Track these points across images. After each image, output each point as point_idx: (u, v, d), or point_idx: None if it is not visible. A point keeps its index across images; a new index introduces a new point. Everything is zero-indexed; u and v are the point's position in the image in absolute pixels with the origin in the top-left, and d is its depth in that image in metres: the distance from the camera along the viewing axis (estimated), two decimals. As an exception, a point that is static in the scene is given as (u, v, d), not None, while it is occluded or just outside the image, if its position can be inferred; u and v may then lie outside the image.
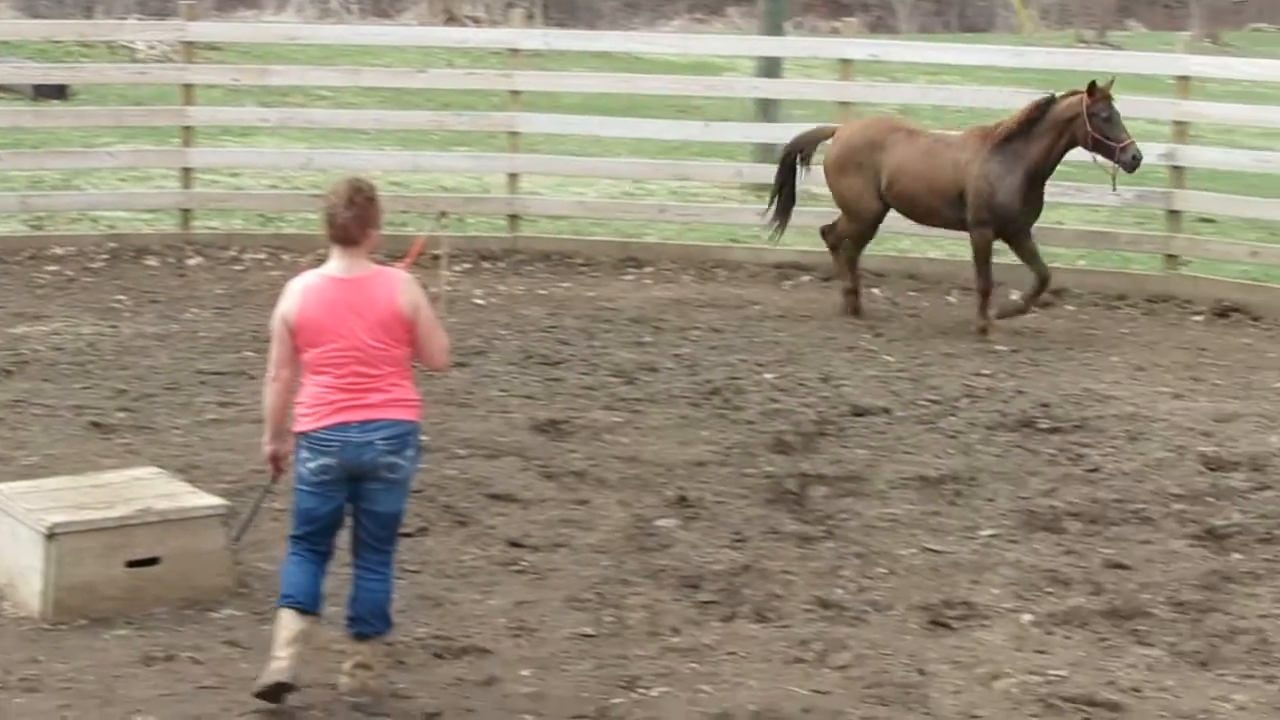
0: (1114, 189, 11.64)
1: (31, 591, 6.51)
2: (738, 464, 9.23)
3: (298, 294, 5.43)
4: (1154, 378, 11.57)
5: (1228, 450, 9.68)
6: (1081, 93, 10.93)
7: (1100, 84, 10.88)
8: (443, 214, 8.75)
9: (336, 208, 5.26)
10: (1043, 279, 11.52)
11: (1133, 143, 10.58)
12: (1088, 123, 10.64)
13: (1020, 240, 11.60)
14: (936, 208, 11.87)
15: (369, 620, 5.77)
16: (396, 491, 5.68)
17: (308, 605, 5.58)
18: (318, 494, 5.51)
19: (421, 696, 5.81)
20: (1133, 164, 10.76)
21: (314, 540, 5.62)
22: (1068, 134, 10.97)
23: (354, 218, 5.26)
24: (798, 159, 12.56)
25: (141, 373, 11.21)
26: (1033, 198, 11.43)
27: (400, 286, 5.52)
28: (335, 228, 5.28)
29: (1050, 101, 11.14)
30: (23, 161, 16.41)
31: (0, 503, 6.93)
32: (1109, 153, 10.73)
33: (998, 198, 11.31)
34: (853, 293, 12.35)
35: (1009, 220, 11.39)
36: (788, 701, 5.84)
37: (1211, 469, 9.29)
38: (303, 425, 5.55)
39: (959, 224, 11.81)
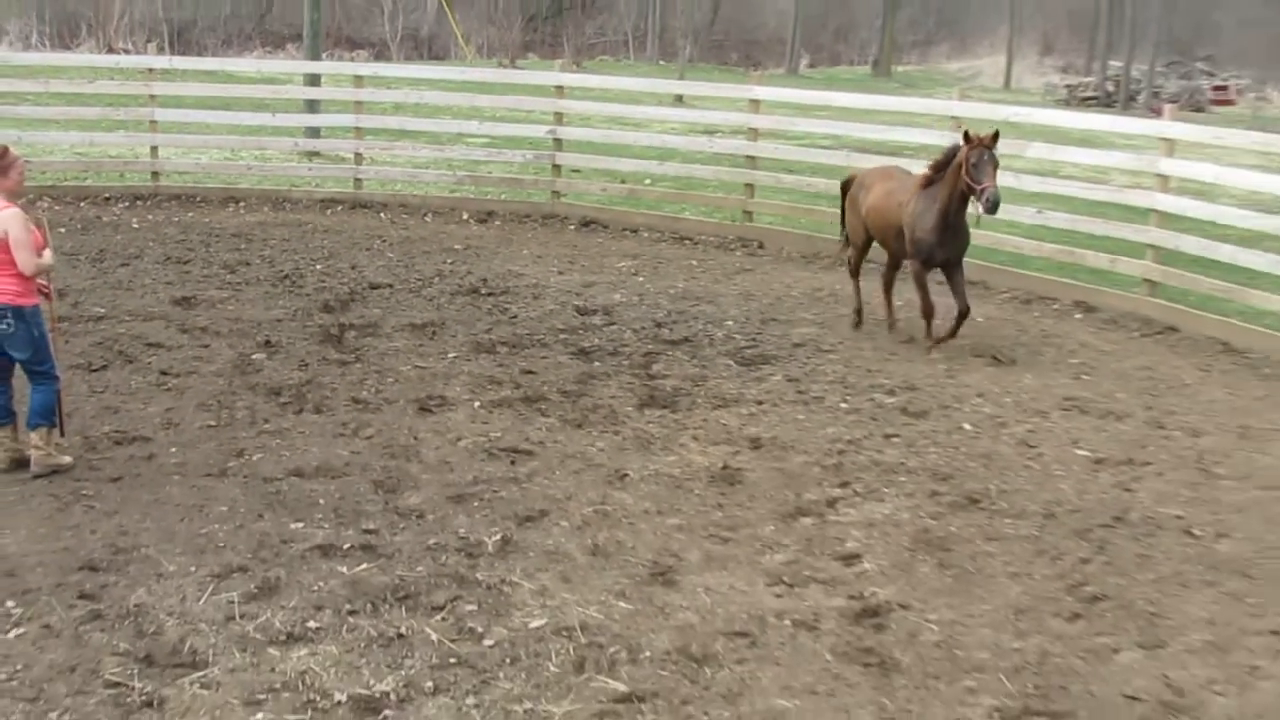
0: (977, 222, 11.23)
1: None
2: (301, 320, 11.68)
3: None
4: (546, 263, 14.60)
5: (589, 303, 12.61)
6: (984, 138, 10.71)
7: (973, 134, 10.75)
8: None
9: None
10: (962, 313, 11.20)
11: (991, 187, 10.41)
12: (964, 166, 10.53)
13: (949, 271, 11.35)
14: (889, 240, 11.84)
15: (36, 416, 7.79)
16: (15, 342, 7.64)
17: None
18: None
19: (107, 468, 8.04)
20: (989, 206, 10.48)
21: None
22: (961, 177, 10.68)
23: None
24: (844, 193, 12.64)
25: None
26: (949, 234, 11.11)
27: (3, 217, 7.48)
28: None
29: (956, 148, 10.91)
30: None
31: None
32: (976, 194, 10.52)
33: (917, 233, 11.16)
34: (858, 311, 12.28)
35: (929, 253, 11.17)
36: (335, 459, 8.32)
37: (581, 314, 12.15)
38: None
39: (904, 254, 11.68)
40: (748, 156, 16.25)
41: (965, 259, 11.55)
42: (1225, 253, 12.01)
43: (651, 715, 5.50)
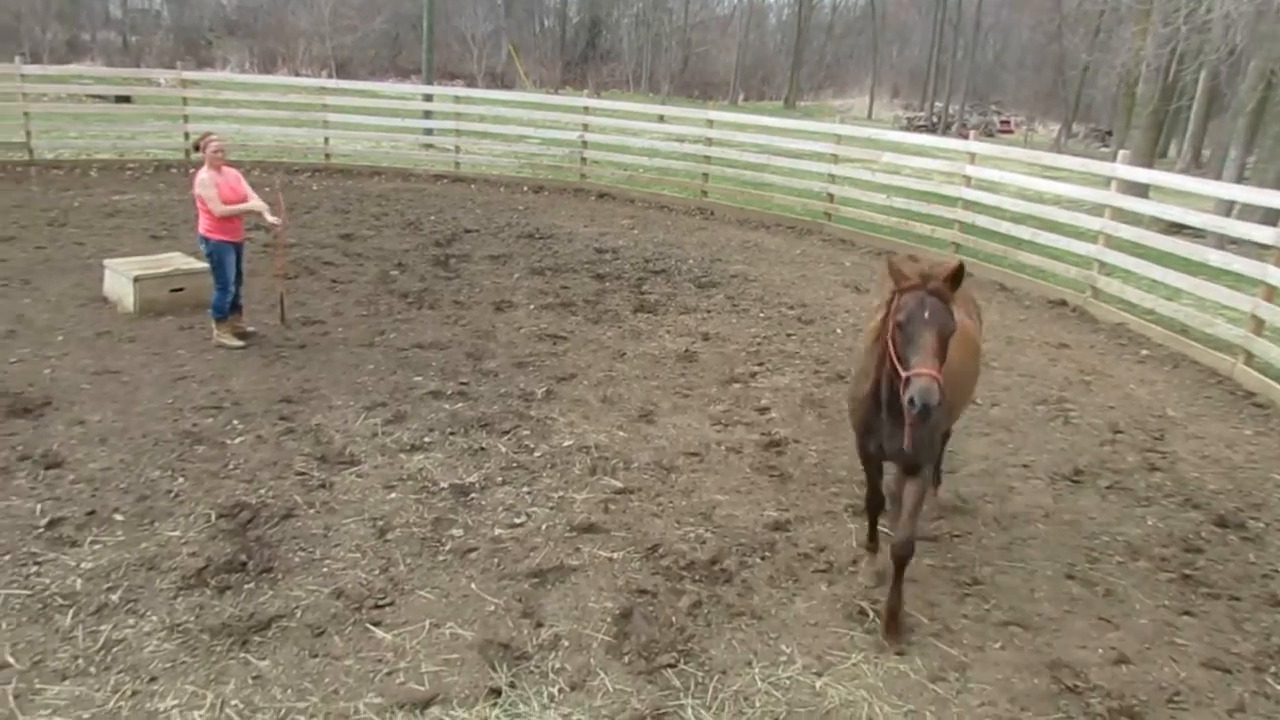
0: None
1: (130, 303, 8.31)
2: (420, 250, 11.38)
3: None
4: (576, 220, 14.24)
5: (603, 245, 12.30)
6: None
7: (902, 269, 3.99)
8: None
9: None
10: (895, 549, 4.45)
11: (924, 376, 3.76)
12: (891, 328, 4.00)
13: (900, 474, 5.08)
14: None
15: (211, 310, 8.00)
16: (208, 259, 7.54)
17: None
18: None
19: (298, 339, 7.81)
20: (914, 411, 3.78)
21: None
22: (888, 346, 4.12)
23: None
24: None
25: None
26: (880, 421, 4.03)
27: (197, 180, 7.05)
28: None
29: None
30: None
31: (114, 267, 8.49)
32: (901, 382, 3.90)
33: (848, 400, 5.04)
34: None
35: (860, 437, 4.34)
36: (442, 338, 8.07)
37: (598, 252, 11.81)
38: None
39: None
40: (704, 156, 15.99)
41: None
42: (1004, 227, 11.87)
43: (637, 502, 5.54)
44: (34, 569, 4.50)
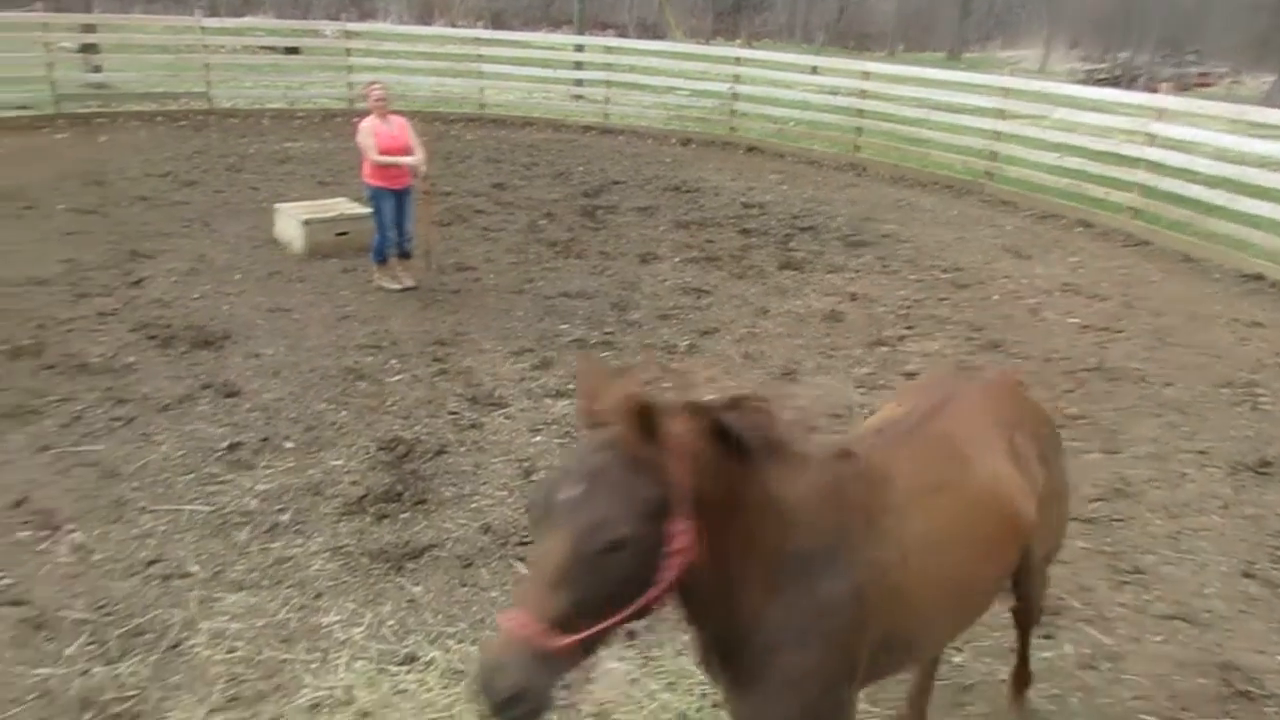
0: None
1: (299, 245, 8.81)
2: (569, 200, 11.53)
3: None
4: (723, 174, 14.24)
5: (750, 200, 12.20)
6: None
7: (589, 371, 2.11)
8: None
9: None
10: None
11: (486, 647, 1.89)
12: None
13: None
14: None
15: (371, 254, 8.24)
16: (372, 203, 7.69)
17: None
18: None
19: (451, 284, 8.16)
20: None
21: None
22: None
23: None
24: None
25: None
26: None
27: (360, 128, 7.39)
28: None
29: None
30: None
31: (284, 211, 9.04)
32: None
33: None
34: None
35: None
36: (588, 287, 8.23)
37: (744, 207, 11.65)
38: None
39: None
40: (858, 109, 15.47)
41: None
42: (1193, 191, 11.00)
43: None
44: (215, 488, 4.92)
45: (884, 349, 7.36)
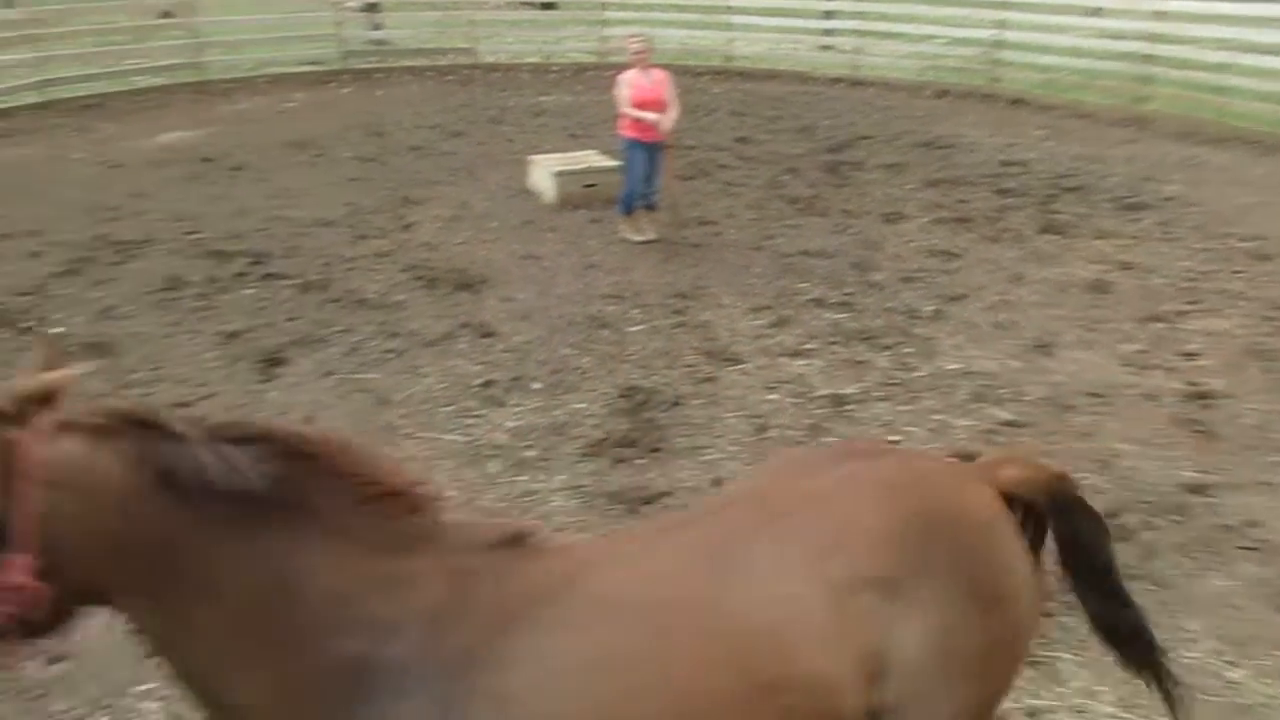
0: None
1: (551, 195, 9.21)
2: (812, 156, 11.22)
3: None
4: (981, 129, 13.02)
5: (1010, 157, 11.15)
6: None
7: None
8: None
9: None
10: None
11: None
12: None
13: None
14: None
15: (618, 205, 8.45)
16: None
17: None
18: None
19: (692, 238, 8.27)
20: None
21: None
22: None
23: None
24: None
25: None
26: None
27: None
28: None
29: None
30: None
31: (538, 162, 9.47)
32: None
33: None
34: None
35: None
36: (828, 246, 8.12)
37: (1002, 165, 10.81)
38: None
39: None
40: (1145, 55, 13.95)
41: None
42: None
43: (1026, 438, 5.22)
44: (470, 421, 5.32)
45: (1159, 325, 6.70)
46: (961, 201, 9.51)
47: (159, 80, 14.74)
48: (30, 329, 6.41)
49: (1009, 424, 5.33)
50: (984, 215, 9.07)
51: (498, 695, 1.65)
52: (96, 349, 6.12)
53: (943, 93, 15.51)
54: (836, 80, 16.45)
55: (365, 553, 1.69)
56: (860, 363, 6.06)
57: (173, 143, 11.63)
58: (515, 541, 1.83)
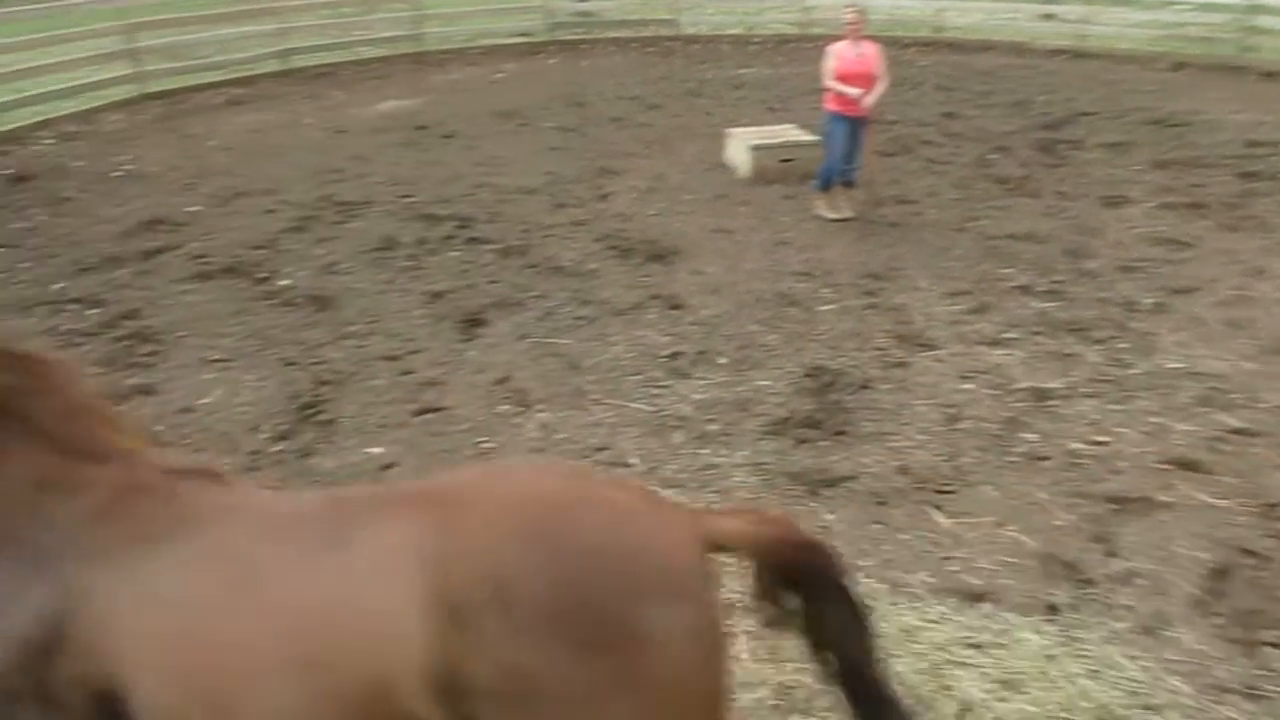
0: None
1: (745, 169, 9.16)
2: (1024, 133, 10.49)
3: None
4: (1226, 105, 11.89)
5: (1260, 136, 10.48)
6: None
7: None
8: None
9: None
10: None
11: None
12: None
13: None
14: None
15: (816, 180, 8.15)
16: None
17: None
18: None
19: (889, 217, 7.95)
20: None
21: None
22: None
23: None
24: None
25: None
26: None
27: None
28: None
29: None
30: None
31: (735, 135, 9.42)
32: None
33: None
34: None
35: None
36: (1039, 230, 7.62)
37: (1249, 145, 10.18)
38: None
39: None
40: None
41: None
42: None
43: (1259, 448, 4.74)
44: (656, 391, 5.40)
45: None
46: (1196, 185, 8.69)
47: (382, 51, 15.67)
48: (264, 279, 7.04)
49: (1238, 431, 4.86)
50: (1222, 201, 8.26)
51: (106, 596, 1.84)
52: (318, 301, 6.65)
53: (1180, 65, 14.18)
54: (1057, 52, 15.39)
55: (60, 456, 1.96)
56: (1068, 355, 5.69)
57: (392, 110, 12.36)
58: (198, 475, 2.04)
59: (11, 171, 9.83)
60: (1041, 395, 5.24)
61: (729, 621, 1.97)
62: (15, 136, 11.09)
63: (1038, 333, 5.99)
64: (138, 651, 1.84)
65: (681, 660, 1.76)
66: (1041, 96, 12.40)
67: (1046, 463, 4.63)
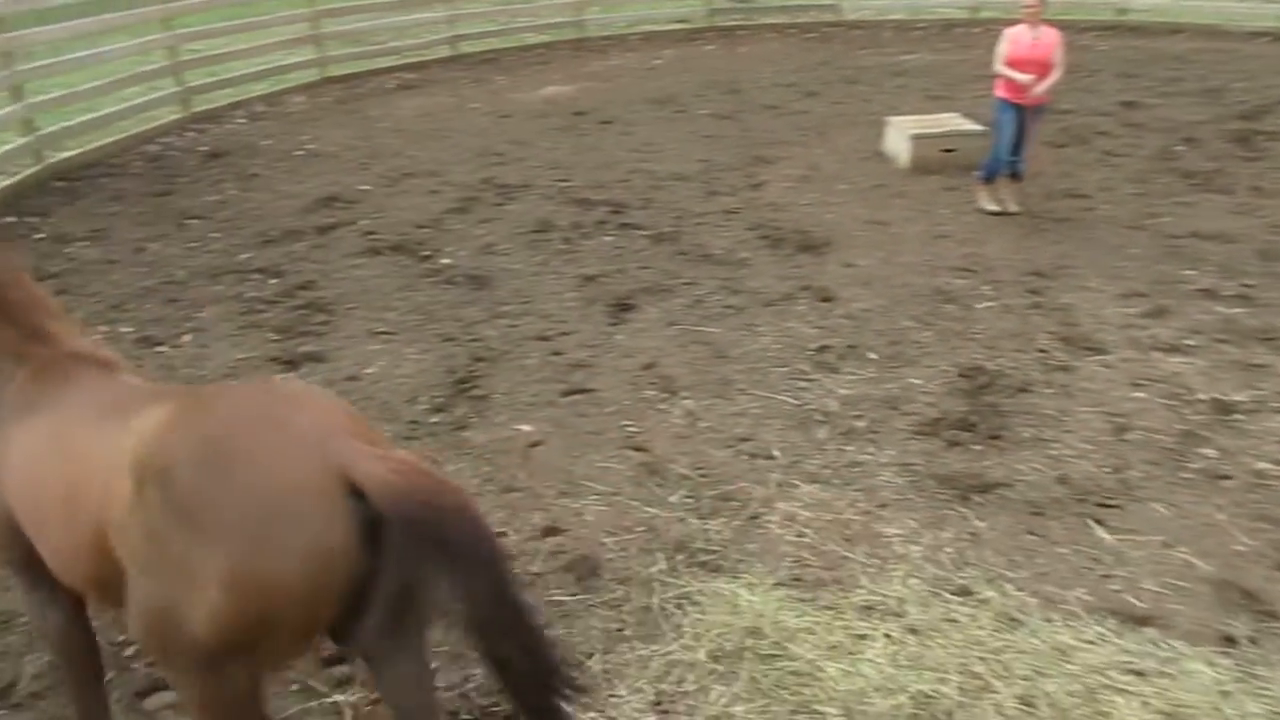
0: None
1: (904, 159, 8.91)
2: (1216, 123, 9.72)
3: None
4: None
5: None
6: None
7: None
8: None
9: None
10: None
11: None
12: None
13: None
14: None
15: (980, 170, 7.61)
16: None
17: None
18: None
19: (1059, 212, 7.54)
20: None
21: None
22: None
23: None
24: None
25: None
26: None
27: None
28: None
29: None
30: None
31: (894, 124, 9.17)
32: None
33: None
34: None
35: None
36: (1229, 229, 7.10)
37: None
38: None
39: None
40: None
41: None
42: None
43: None
44: (803, 384, 5.31)
45: None
46: None
47: (545, 37, 16.00)
48: (427, 257, 7.34)
49: None
50: None
51: (10, 443, 2.49)
52: (476, 280, 6.88)
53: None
54: (1258, 34, 14.17)
55: (19, 335, 2.65)
56: (1257, 366, 5.25)
57: (552, 96, 12.62)
58: (92, 360, 2.64)
59: (207, 148, 10.60)
60: (1224, 408, 4.86)
61: (333, 567, 2.00)
62: (211, 116, 11.95)
63: (1222, 340, 5.55)
64: (14, 486, 2.48)
65: (269, 573, 1.95)
66: (1238, 84, 11.44)
67: (1227, 482, 4.30)
